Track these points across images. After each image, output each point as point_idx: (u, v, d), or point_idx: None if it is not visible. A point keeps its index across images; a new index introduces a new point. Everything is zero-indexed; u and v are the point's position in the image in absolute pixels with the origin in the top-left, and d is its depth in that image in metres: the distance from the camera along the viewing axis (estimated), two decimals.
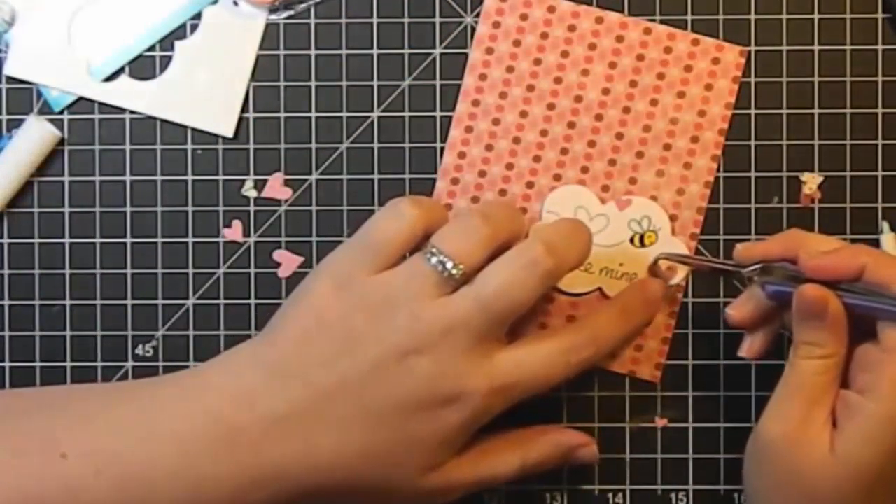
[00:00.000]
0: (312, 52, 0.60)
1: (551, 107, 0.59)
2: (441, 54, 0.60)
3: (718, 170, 0.59)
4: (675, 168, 0.59)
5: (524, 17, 0.59)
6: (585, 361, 0.54)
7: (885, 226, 0.59)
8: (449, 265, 0.51)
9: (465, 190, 0.59)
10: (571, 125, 0.59)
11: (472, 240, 0.52)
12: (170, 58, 0.60)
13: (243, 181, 0.60)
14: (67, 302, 0.60)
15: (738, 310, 0.55)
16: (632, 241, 0.59)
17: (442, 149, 0.60)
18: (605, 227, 0.59)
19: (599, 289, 0.59)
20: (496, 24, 0.59)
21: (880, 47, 0.59)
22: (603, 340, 0.55)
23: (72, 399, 0.54)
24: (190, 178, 0.60)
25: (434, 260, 0.51)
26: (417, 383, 0.51)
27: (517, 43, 0.59)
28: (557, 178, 0.59)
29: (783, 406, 0.52)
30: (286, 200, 0.60)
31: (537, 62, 0.59)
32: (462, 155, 0.60)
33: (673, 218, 0.59)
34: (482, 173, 0.60)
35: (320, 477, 0.52)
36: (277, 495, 0.52)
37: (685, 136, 0.59)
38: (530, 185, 0.59)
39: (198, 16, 0.60)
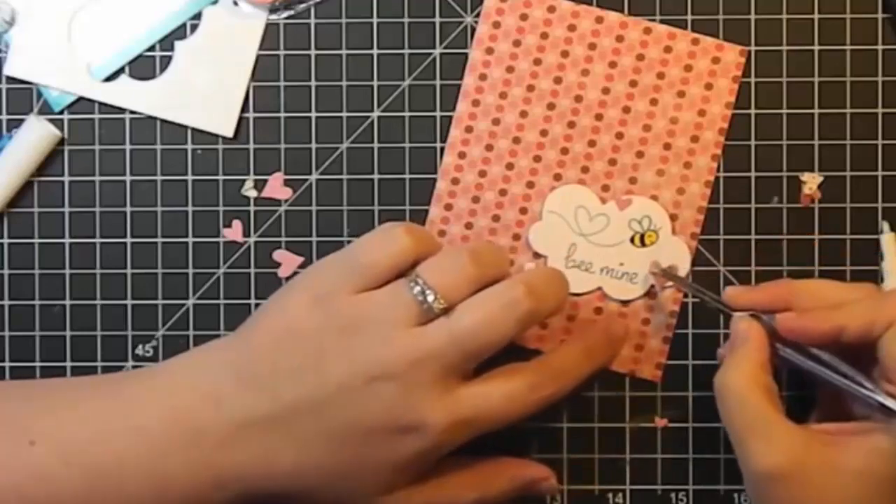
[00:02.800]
0: (312, 52, 0.60)
1: (551, 107, 0.59)
2: (441, 54, 0.60)
3: (718, 169, 0.59)
4: (676, 167, 0.59)
5: (524, 17, 0.59)
6: (548, 398, 0.54)
7: (885, 226, 0.59)
8: (430, 297, 0.51)
9: (465, 190, 0.59)
10: (571, 125, 0.59)
11: (458, 276, 0.52)
12: (170, 58, 0.60)
13: (243, 181, 0.60)
14: (67, 302, 0.60)
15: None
16: (632, 240, 0.59)
17: (442, 149, 0.60)
18: (605, 227, 0.59)
19: (600, 288, 0.59)
20: (496, 24, 0.59)
21: (880, 47, 0.59)
22: (566, 379, 0.55)
23: (44, 389, 0.54)
24: (190, 178, 0.60)
25: (417, 289, 0.51)
26: (380, 408, 0.51)
27: (517, 43, 0.59)
28: (557, 177, 0.59)
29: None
30: (286, 200, 0.60)
31: (537, 62, 0.59)
32: (462, 155, 0.60)
33: (673, 217, 0.59)
34: (482, 173, 0.60)
35: (278, 484, 0.52)
36: (239, 496, 0.52)
37: (685, 136, 0.59)
38: (530, 185, 0.59)
39: (198, 16, 0.60)
